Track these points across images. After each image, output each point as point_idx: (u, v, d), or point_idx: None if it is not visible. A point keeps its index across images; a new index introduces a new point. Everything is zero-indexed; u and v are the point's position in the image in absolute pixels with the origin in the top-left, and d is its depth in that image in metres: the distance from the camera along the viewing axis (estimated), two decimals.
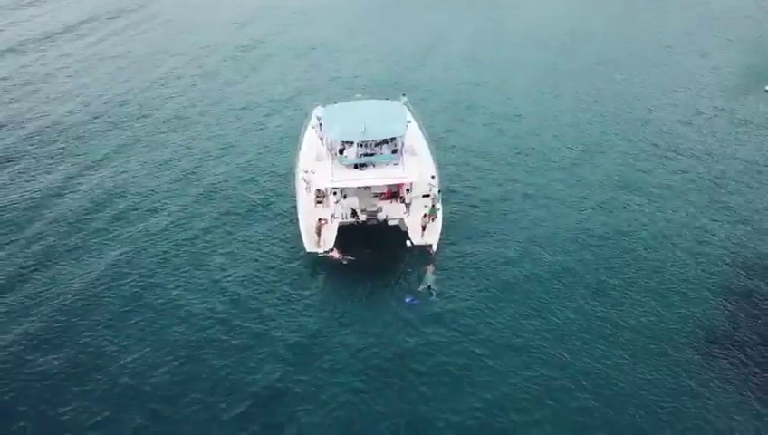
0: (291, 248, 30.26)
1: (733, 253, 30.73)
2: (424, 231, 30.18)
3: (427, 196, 31.39)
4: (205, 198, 34.48)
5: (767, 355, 25.06)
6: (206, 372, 23.69)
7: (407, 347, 24.86)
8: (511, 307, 26.98)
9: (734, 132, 42.85)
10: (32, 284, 27.90)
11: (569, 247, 30.83)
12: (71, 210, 33.13)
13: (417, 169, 31.55)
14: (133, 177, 36.40)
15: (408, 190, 31.39)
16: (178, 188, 35.30)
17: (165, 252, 30.00)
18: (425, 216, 30.39)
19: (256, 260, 29.58)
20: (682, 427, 22.22)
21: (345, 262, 29.19)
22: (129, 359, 24.16)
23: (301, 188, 31.98)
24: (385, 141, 31.80)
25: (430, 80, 50.54)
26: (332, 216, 30.55)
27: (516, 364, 24.21)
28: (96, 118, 43.32)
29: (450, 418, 22.10)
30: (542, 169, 37.93)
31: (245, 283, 28.11)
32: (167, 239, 30.89)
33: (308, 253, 29.22)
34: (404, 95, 37.60)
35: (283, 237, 31.18)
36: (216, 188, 35.42)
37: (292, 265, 29.34)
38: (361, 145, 31.38)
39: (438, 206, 31.07)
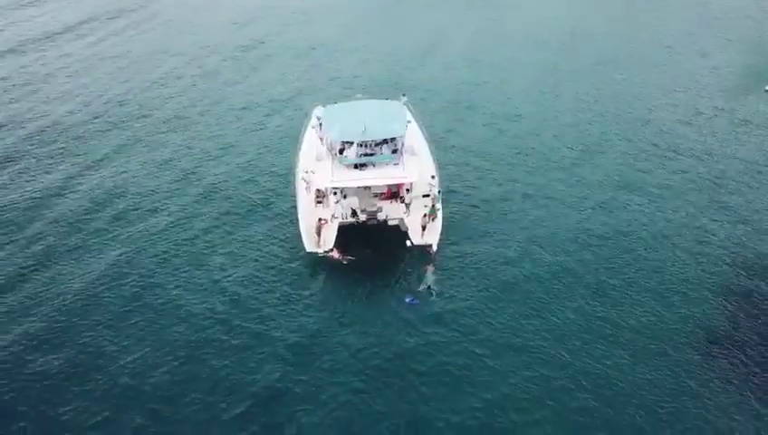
0: (291, 248, 30.26)
1: (733, 253, 30.73)
2: (424, 231, 30.17)
3: (427, 196, 31.39)
4: (205, 198, 34.49)
5: (767, 355, 25.05)
6: (206, 372, 23.69)
7: (407, 347, 24.87)
8: (511, 307, 26.98)
9: (734, 132, 42.85)
10: (32, 284, 27.90)
11: (569, 247, 30.83)
12: (71, 210, 33.14)
13: (417, 169, 31.55)
14: (133, 177, 36.40)
15: (408, 190, 31.40)
16: (178, 188, 35.30)
17: (165, 252, 30.01)
18: (425, 216, 30.39)
19: (256, 260, 29.58)
20: (682, 427, 22.22)
21: (345, 262, 29.18)
22: (129, 359, 24.16)
23: (301, 188, 31.98)
24: (385, 141, 31.80)
25: (430, 80, 50.54)
26: (332, 216, 30.55)
27: (516, 364, 24.22)
28: (96, 118, 43.32)
29: (450, 418, 22.10)
30: (542, 168, 37.94)
31: (245, 283, 28.11)
32: (167, 239, 30.90)
33: (308, 253, 29.22)
34: (404, 95, 37.60)
35: (282, 237, 31.18)
36: (215, 188, 35.43)
37: (292, 265, 29.35)
38: (361, 145, 31.38)
39: (438, 206, 31.07)
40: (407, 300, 27.21)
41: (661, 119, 44.66)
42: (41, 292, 27.40)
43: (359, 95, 38.01)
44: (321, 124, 33.84)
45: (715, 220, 33.19)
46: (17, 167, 36.98)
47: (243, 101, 46.61)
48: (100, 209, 33.24)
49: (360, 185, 31.20)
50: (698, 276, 29.11)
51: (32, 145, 39.44)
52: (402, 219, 30.92)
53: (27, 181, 35.56)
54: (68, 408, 22.24)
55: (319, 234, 29.42)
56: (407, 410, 22.35)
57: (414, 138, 34.14)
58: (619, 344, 25.28)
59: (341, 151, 31.55)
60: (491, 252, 30.34)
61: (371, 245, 30.32)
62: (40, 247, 30.19)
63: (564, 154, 39.74)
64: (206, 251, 30.16)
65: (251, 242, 30.82)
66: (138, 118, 43.58)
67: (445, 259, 29.69)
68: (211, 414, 22.13)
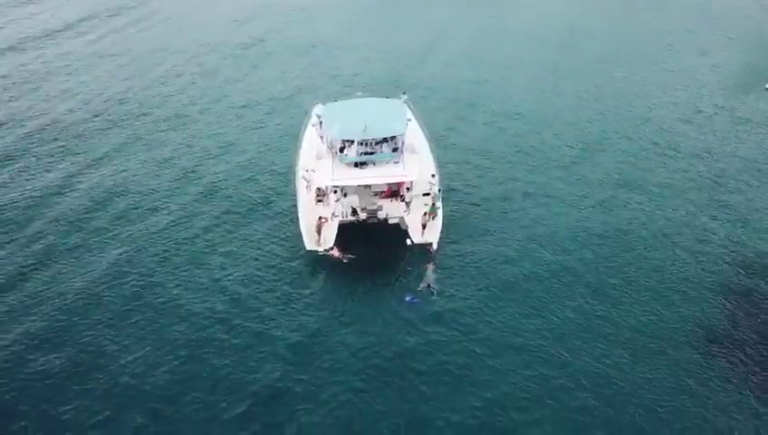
0: (291, 247, 30.28)
1: (732, 252, 30.76)
2: (424, 230, 30.22)
3: (428, 194, 31.40)
4: (205, 196, 34.49)
5: (766, 354, 25.11)
6: (207, 371, 23.72)
7: (407, 346, 24.90)
8: (511, 306, 27.01)
9: (734, 131, 42.87)
10: (32, 283, 27.90)
11: (569, 246, 30.86)
12: (71, 209, 33.12)
13: (418, 167, 31.55)
14: (133, 175, 36.39)
15: (408, 189, 31.43)
16: (179, 187, 35.30)
17: (165, 251, 30.02)
18: (425, 214, 30.43)
19: (256, 259, 29.60)
20: (681, 426, 22.28)
21: (345, 260, 29.20)
22: (130, 358, 24.18)
23: (301, 186, 31.99)
24: (385, 140, 31.79)
25: (431, 78, 50.52)
26: (333, 214, 30.57)
27: (516, 363, 24.26)
28: (96, 116, 43.28)
29: (450, 417, 22.14)
30: (543, 167, 37.96)
31: (246, 282, 28.13)
32: (167, 238, 30.90)
33: (308, 251, 29.25)
34: (404, 93, 37.55)
35: (283, 236, 31.19)
36: (216, 186, 35.43)
37: (293, 263, 29.37)
38: (362, 143, 31.38)
39: (438, 204, 31.10)
40: (407, 299, 27.24)
41: (661, 117, 44.67)
42: (41, 291, 27.41)
43: (359, 93, 38.01)
44: (321, 123, 33.83)
45: (715, 219, 33.23)
46: (17, 165, 36.95)
47: (243, 99, 46.59)
48: (100, 208, 33.24)
49: (361, 183, 31.23)
50: (698, 275, 29.15)
51: (32, 143, 39.40)
52: (402, 218, 30.94)
53: (27, 180, 35.53)
54: (69, 407, 22.26)
55: (319, 232, 29.47)
56: (407, 410, 22.39)
57: (414, 136, 34.13)
58: (618, 343, 25.33)
59: (342, 150, 31.55)
60: (491, 251, 30.37)
61: (371, 243, 30.35)
62: (40, 246, 30.19)
63: (564, 152, 39.76)
64: (206, 250, 30.18)
65: (251, 241, 30.84)
66: (138, 116, 43.54)
67: (445, 258, 29.72)
68: (212, 413, 22.17)
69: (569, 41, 59.44)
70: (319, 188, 31.45)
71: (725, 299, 27.82)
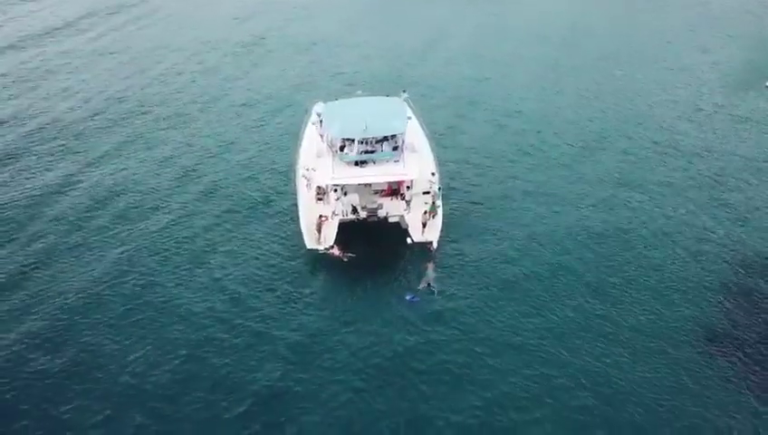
0: (291, 246, 30.30)
1: (732, 251, 30.77)
2: (424, 228, 30.22)
3: (428, 193, 31.39)
4: (205, 195, 34.50)
5: (766, 353, 25.12)
6: (207, 370, 23.76)
7: (407, 346, 24.93)
8: (511, 305, 27.04)
9: (734, 129, 42.83)
10: (33, 282, 27.92)
11: (569, 245, 30.86)
12: (71, 208, 33.15)
13: (418, 166, 31.55)
14: (134, 174, 36.41)
15: (408, 187, 31.46)
16: (179, 186, 35.32)
17: (165, 250, 30.04)
18: (425, 213, 30.44)
19: (257, 258, 29.63)
20: (681, 425, 22.31)
21: (345, 259, 29.19)
22: (131, 357, 24.22)
23: (301, 185, 32.00)
24: (385, 138, 31.79)
25: (431, 76, 50.51)
26: (333, 213, 30.58)
27: (516, 363, 24.28)
28: (96, 115, 43.28)
29: (450, 416, 22.18)
30: (543, 166, 37.95)
31: (246, 281, 28.16)
32: (167, 237, 30.93)
33: (308, 250, 29.24)
34: (404, 91, 37.52)
35: (283, 235, 31.22)
36: (216, 185, 35.45)
37: (293, 262, 29.40)
38: (362, 142, 31.37)
39: (439, 203, 31.11)
40: (407, 297, 27.27)
41: (661, 115, 44.65)
42: (42, 290, 27.44)
43: (359, 91, 38.06)
44: (321, 121, 33.83)
45: (715, 218, 33.21)
46: (17, 164, 36.96)
47: (243, 97, 46.59)
48: (100, 207, 33.26)
49: (361, 182, 31.25)
50: (698, 274, 29.16)
51: (32, 142, 39.41)
52: (402, 216, 30.95)
53: (27, 179, 35.54)
54: (69, 406, 22.31)
55: (319, 231, 29.49)
56: (407, 409, 22.43)
57: (414, 134, 34.14)
58: (618, 343, 25.35)
59: (342, 148, 31.54)
60: (491, 249, 30.39)
61: (372, 242, 30.35)
62: (41, 246, 30.22)
63: (564, 151, 39.76)
64: (206, 249, 30.20)
65: (251, 240, 30.87)
66: (138, 115, 43.56)
67: (445, 257, 29.74)
68: (212, 413, 22.21)
69: (569, 39, 59.39)
70: (319, 187, 31.45)
71: (725, 298, 27.85)
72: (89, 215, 32.63)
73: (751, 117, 44.48)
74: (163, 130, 41.69)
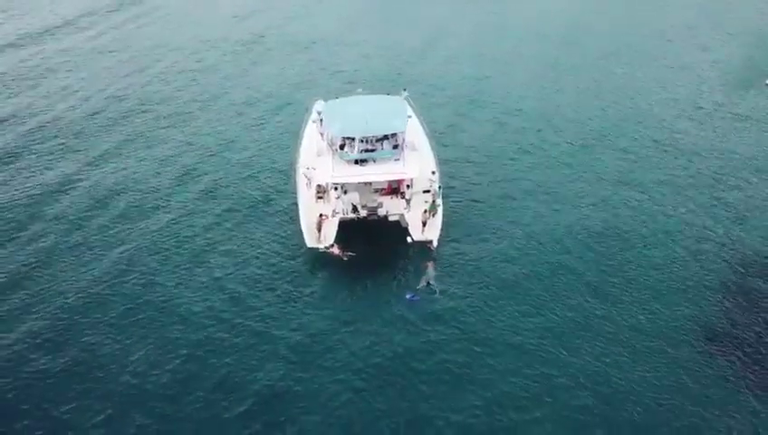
0: (292, 245, 30.33)
1: (732, 250, 30.77)
2: (424, 227, 30.21)
3: (428, 192, 31.38)
4: (205, 194, 34.52)
5: (765, 353, 25.16)
6: (208, 370, 23.78)
7: (407, 345, 24.95)
8: (511, 305, 27.06)
9: (734, 127, 42.80)
10: (33, 282, 27.95)
11: (568, 244, 30.88)
12: (71, 207, 33.17)
13: (418, 164, 31.57)
14: (134, 173, 36.42)
15: (408, 186, 31.48)
16: (179, 185, 35.34)
17: (166, 249, 30.07)
18: (425, 212, 30.44)
19: (257, 257, 29.65)
20: (680, 424, 22.35)
21: (346, 258, 29.19)
22: (131, 357, 24.25)
23: (301, 183, 32.03)
24: (386, 137, 31.82)
25: (431, 74, 50.47)
26: (333, 211, 30.60)
27: (516, 362, 24.31)
28: (96, 113, 43.29)
29: (450, 416, 22.22)
30: (543, 164, 37.96)
31: (246, 281, 28.19)
32: (167, 236, 30.95)
33: (309, 248, 29.26)
34: (405, 90, 37.52)
35: (283, 234, 31.25)
36: (216, 184, 35.46)
37: (293, 262, 29.42)
38: (362, 141, 31.38)
39: (439, 202, 31.11)
40: (407, 296, 27.30)
41: (661, 114, 44.62)
42: (42, 290, 27.47)
43: (359, 90, 37.99)
44: (321, 119, 33.85)
45: (715, 217, 33.20)
46: (17, 163, 36.97)
47: (243, 95, 46.60)
48: (100, 206, 33.29)
49: (361, 181, 31.23)
50: (697, 274, 29.17)
51: (31, 141, 39.42)
52: (403, 215, 30.96)
53: (27, 178, 35.55)
54: (70, 406, 22.34)
55: (319, 229, 29.51)
56: (407, 409, 22.47)
57: (414, 133, 34.18)
58: (617, 342, 25.39)
59: (342, 147, 31.58)
60: (491, 248, 30.42)
61: (372, 241, 30.36)
62: (41, 245, 30.23)
63: (564, 150, 39.76)
64: (207, 249, 30.22)
65: (252, 239, 30.89)
66: (138, 113, 43.56)
67: (445, 255, 29.77)
68: (213, 413, 22.24)
69: (569, 37, 59.29)
70: (319, 186, 31.49)
71: (724, 297, 27.86)
72: (89, 214, 32.65)
73: (751, 115, 44.43)
74: (163, 128, 41.69)
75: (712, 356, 24.96)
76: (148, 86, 47.69)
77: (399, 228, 30.74)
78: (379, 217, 31.16)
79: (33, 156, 37.84)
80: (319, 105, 35.73)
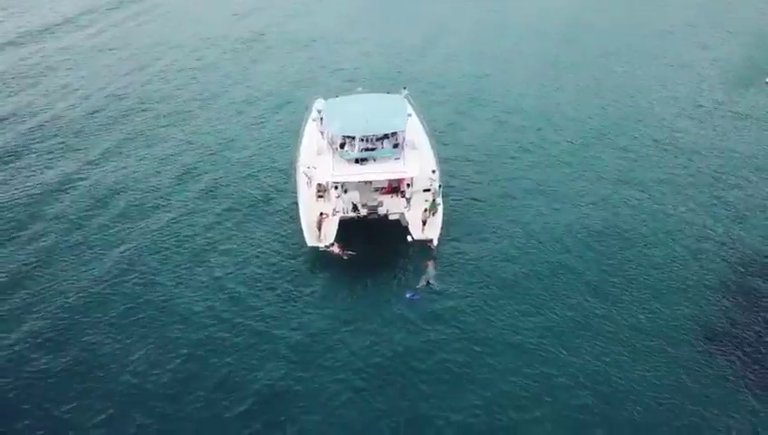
0: (292, 244, 30.34)
1: (731, 249, 30.79)
2: (424, 226, 30.21)
3: (428, 190, 31.37)
4: (206, 194, 34.51)
5: (765, 352, 25.20)
6: (208, 370, 23.82)
7: (407, 345, 24.98)
8: (511, 304, 27.08)
9: (734, 126, 42.79)
10: (33, 281, 27.96)
11: (568, 243, 30.90)
12: (71, 206, 33.16)
13: (418, 163, 31.56)
14: (134, 172, 36.41)
15: (408, 185, 31.45)
16: (179, 184, 35.33)
17: (166, 249, 30.07)
18: (425, 210, 30.43)
19: (257, 256, 29.66)
20: (680, 423, 22.40)
21: (346, 257, 29.21)
22: (132, 357, 24.28)
23: (302, 182, 32.03)
24: (386, 136, 31.78)
25: (431, 72, 50.43)
26: (333, 210, 30.59)
27: (516, 362, 24.34)
28: (96, 112, 43.25)
29: (450, 415, 22.26)
30: (543, 163, 37.95)
31: (247, 280, 28.20)
32: (168, 236, 30.96)
33: (309, 247, 29.27)
34: (405, 88, 37.48)
35: (283, 233, 31.27)
36: (216, 183, 35.45)
37: (293, 261, 29.44)
38: (363, 140, 31.35)
39: (439, 200, 31.11)
40: (407, 295, 27.32)
41: (661, 112, 44.60)
42: (42, 289, 27.47)
43: (359, 88, 37.91)
44: (321, 118, 33.83)
45: (715, 216, 33.21)
46: (17, 162, 36.94)
47: (243, 94, 46.55)
48: (101, 206, 33.29)
49: (361, 179, 31.18)
50: (697, 273, 29.19)
51: (31, 140, 39.39)
52: (403, 214, 30.97)
53: (27, 177, 35.53)
54: (71, 406, 22.38)
55: (320, 228, 29.51)
56: (407, 408, 22.51)
57: (415, 132, 34.16)
58: (617, 341, 25.42)
59: (342, 146, 31.57)
60: (491, 247, 30.43)
61: (372, 239, 30.38)
62: (41, 244, 30.24)
63: (564, 148, 39.75)
64: (207, 248, 30.22)
65: (252, 238, 30.91)
66: (138, 112, 43.51)
67: (445, 254, 29.79)
68: (213, 412, 22.28)
69: (569, 35, 59.22)
70: (319, 184, 31.49)
71: (724, 297, 27.88)
72: (89, 213, 32.65)
73: (751, 114, 44.41)
74: (163, 127, 41.67)
75: (712, 356, 25.00)
76: (148, 84, 47.65)
77: (400, 227, 30.75)
78: (379, 215, 31.17)
79: (33, 155, 37.83)
80: (319, 104, 35.70)
